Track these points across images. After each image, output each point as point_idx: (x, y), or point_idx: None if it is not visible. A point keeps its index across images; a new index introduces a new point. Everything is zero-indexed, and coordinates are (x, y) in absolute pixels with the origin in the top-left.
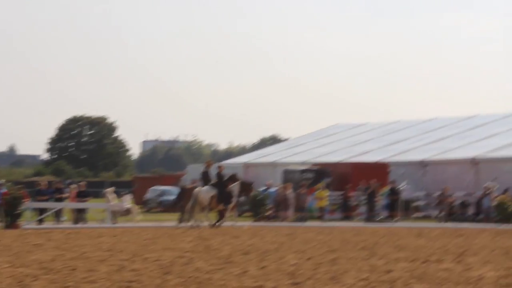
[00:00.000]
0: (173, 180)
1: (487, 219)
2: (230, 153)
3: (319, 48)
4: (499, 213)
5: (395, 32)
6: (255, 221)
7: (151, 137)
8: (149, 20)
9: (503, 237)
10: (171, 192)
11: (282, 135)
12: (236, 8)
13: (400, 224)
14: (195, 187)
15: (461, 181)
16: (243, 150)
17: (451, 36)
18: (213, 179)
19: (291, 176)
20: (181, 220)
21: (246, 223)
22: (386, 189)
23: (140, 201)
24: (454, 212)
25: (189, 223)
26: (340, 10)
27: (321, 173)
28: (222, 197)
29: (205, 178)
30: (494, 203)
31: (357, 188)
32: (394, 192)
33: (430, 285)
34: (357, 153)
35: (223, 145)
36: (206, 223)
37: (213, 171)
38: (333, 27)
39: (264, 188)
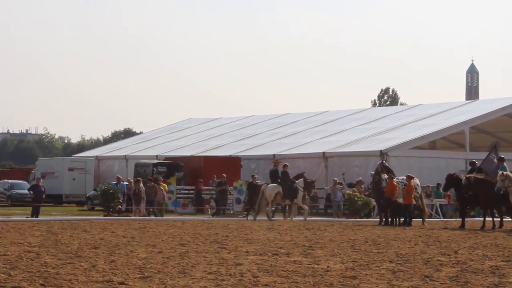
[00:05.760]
0: (23, 174)
1: (336, 213)
2: (83, 146)
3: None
4: (348, 206)
5: (246, 27)
6: (106, 215)
7: (0, 129)
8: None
9: (351, 230)
10: (20, 185)
11: (135, 129)
12: None
13: (253, 218)
14: (263, 184)
15: (312, 175)
16: (95, 144)
17: (301, 33)
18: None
19: (143, 169)
20: (248, 214)
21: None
22: (238, 183)
23: None
24: None
25: (254, 217)
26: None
27: (173, 167)
28: (289, 192)
29: (273, 176)
30: (345, 197)
31: (209, 182)
32: (251, 186)
33: (278, 277)
34: (209, 147)
35: (75, 138)
36: (269, 218)
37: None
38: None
39: (115, 182)
